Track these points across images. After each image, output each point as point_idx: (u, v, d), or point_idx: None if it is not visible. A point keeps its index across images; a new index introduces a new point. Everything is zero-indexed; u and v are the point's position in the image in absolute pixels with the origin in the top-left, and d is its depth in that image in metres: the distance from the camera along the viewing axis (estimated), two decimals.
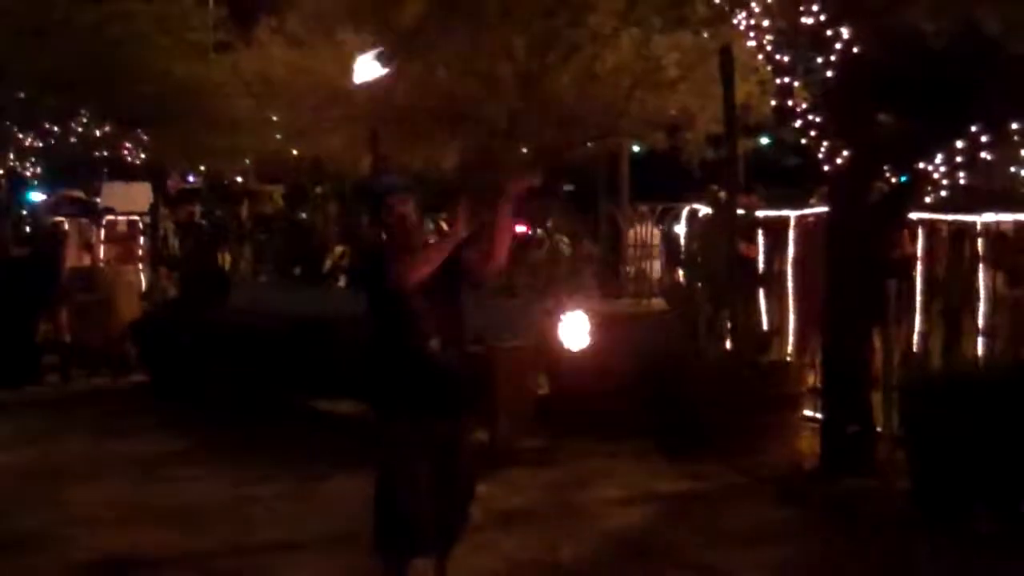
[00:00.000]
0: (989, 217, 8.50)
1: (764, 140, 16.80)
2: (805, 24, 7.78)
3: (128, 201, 17.02)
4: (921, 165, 7.72)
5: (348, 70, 13.67)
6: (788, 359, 9.57)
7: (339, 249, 14.84)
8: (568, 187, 20.94)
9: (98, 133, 16.17)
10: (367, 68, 6.08)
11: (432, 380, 5.09)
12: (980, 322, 8.43)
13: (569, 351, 5.77)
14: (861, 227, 8.03)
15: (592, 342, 8.46)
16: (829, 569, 6.33)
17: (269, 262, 15.59)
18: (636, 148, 17.36)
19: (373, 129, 14.23)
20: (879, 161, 8.08)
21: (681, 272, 11.29)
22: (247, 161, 19.82)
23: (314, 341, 9.80)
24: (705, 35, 11.55)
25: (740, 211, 9.81)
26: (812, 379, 9.43)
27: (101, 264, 15.54)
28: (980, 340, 8.41)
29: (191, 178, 21.87)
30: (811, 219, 9.52)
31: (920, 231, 8.80)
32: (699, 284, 10.06)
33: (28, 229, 17.18)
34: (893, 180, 8.20)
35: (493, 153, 13.34)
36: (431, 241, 5.88)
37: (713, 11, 10.32)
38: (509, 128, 13.02)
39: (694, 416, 8.66)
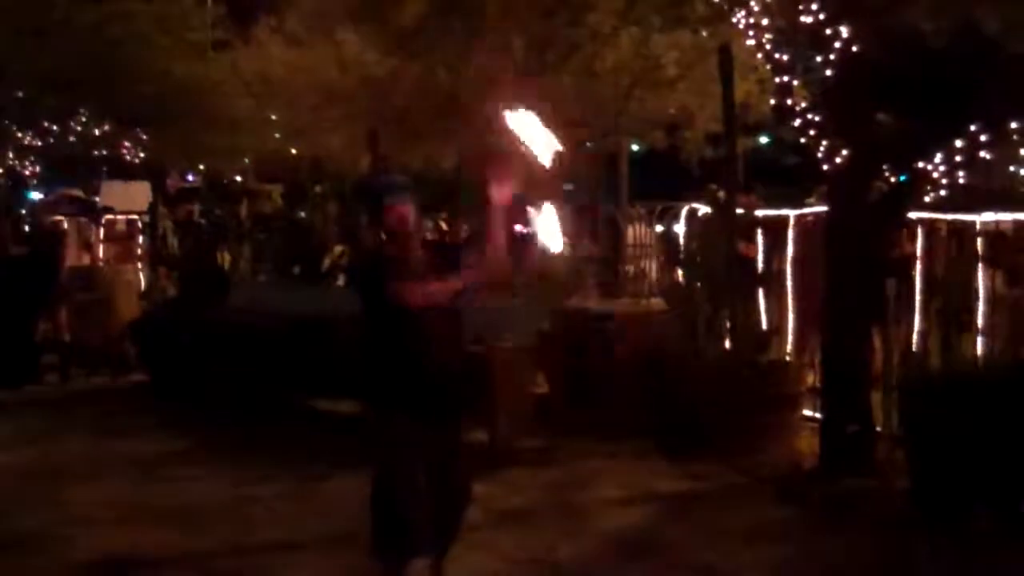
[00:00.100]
0: (988, 216, 8.50)
1: (763, 139, 16.80)
2: (804, 23, 7.78)
3: (127, 200, 17.01)
4: (920, 164, 7.72)
5: (347, 69, 13.74)
6: (787, 359, 9.58)
7: (338, 248, 14.85)
8: (567, 187, 20.93)
9: (97, 132, 16.15)
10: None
11: (429, 381, 5.10)
12: (979, 322, 8.42)
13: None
14: (860, 226, 8.03)
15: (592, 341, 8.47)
16: (828, 569, 6.33)
17: (268, 261, 15.60)
18: (635, 147, 17.36)
19: (372, 128, 14.24)
20: (878, 160, 8.08)
21: (680, 271, 11.30)
22: (246, 160, 19.81)
23: (313, 340, 9.79)
24: (704, 34, 11.55)
25: (739, 210, 9.82)
26: (811, 379, 9.44)
27: (100, 263, 15.54)
28: (979, 340, 8.41)
29: (190, 177, 21.86)
30: (810, 218, 9.53)
31: (919, 230, 8.80)
32: (698, 284, 10.07)
33: (27, 228, 17.17)
34: (892, 179, 8.20)
35: (492, 153, 13.33)
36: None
37: (712, 10, 10.32)
38: (508, 128, 13.01)
39: (693, 416, 8.67)
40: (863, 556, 6.43)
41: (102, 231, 16.17)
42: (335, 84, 13.81)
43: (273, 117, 16.05)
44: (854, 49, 7.61)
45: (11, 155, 16.07)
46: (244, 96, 15.63)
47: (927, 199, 8.22)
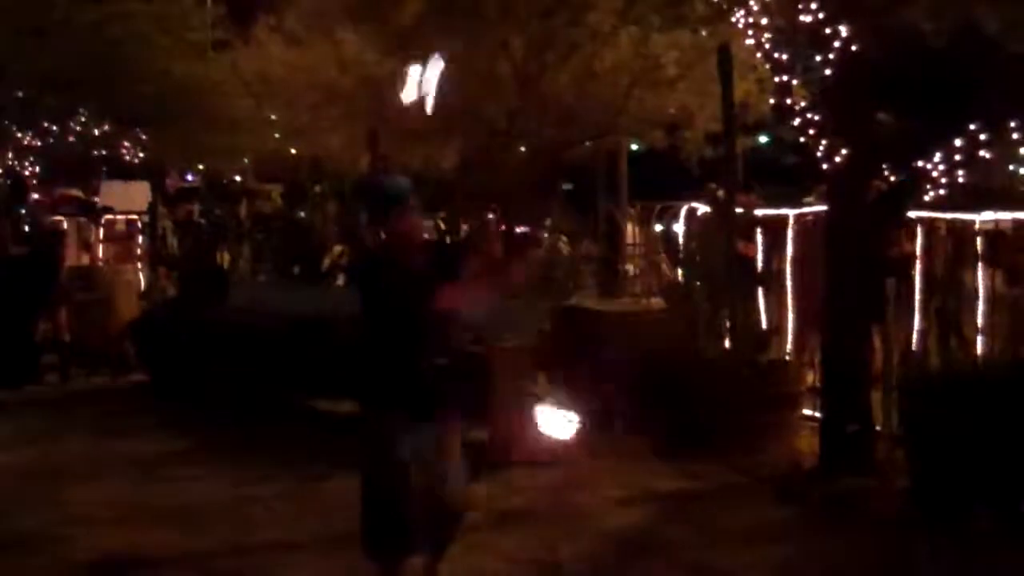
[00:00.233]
0: (988, 216, 8.50)
1: (763, 139, 16.79)
2: (804, 22, 7.78)
3: (127, 200, 17.00)
4: (920, 164, 7.73)
5: (347, 69, 13.73)
6: (787, 358, 9.58)
7: (338, 248, 14.85)
8: (567, 186, 20.93)
9: (97, 132, 16.15)
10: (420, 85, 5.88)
11: (424, 380, 5.10)
12: (979, 321, 8.43)
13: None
14: (860, 226, 8.03)
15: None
16: (828, 569, 6.33)
17: (268, 261, 15.60)
18: (635, 147, 17.35)
19: (372, 128, 14.22)
20: (878, 160, 8.09)
21: (679, 271, 11.30)
22: (246, 160, 19.81)
23: (313, 340, 9.79)
24: (704, 33, 11.54)
25: (739, 210, 9.82)
26: (811, 378, 9.44)
27: (100, 263, 15.54)
28: (979, 339, 8.41)
29: (190, 177, 21.85)
30: (810, 218, 9.53)
31: (919, 230, 8.80)
32: (698, 283, 10.07)
33: (27, 228, 17.16)
34: (892, 179, 8.20)
35: (492, 152, 13.34)
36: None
37: (712, 9, 10.31)
38: (508, 127, 13.02)
39: (693, 415, 8.66)
40: (863, 556, 6.43)
41: (102, 231, 16.16)
42: (335, 84, 13.80)
43: (273, 117, 16.03)
44: (854, 49, 7.61)
45: (11, 155, 16.06)
46: (244, 96, 15.62)
47: (927, 198, 8.23)
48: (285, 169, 19.55)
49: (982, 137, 7.41)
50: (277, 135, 16.90)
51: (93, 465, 8.54)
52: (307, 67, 14.39)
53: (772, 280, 9.94)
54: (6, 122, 15.40)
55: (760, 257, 10.07)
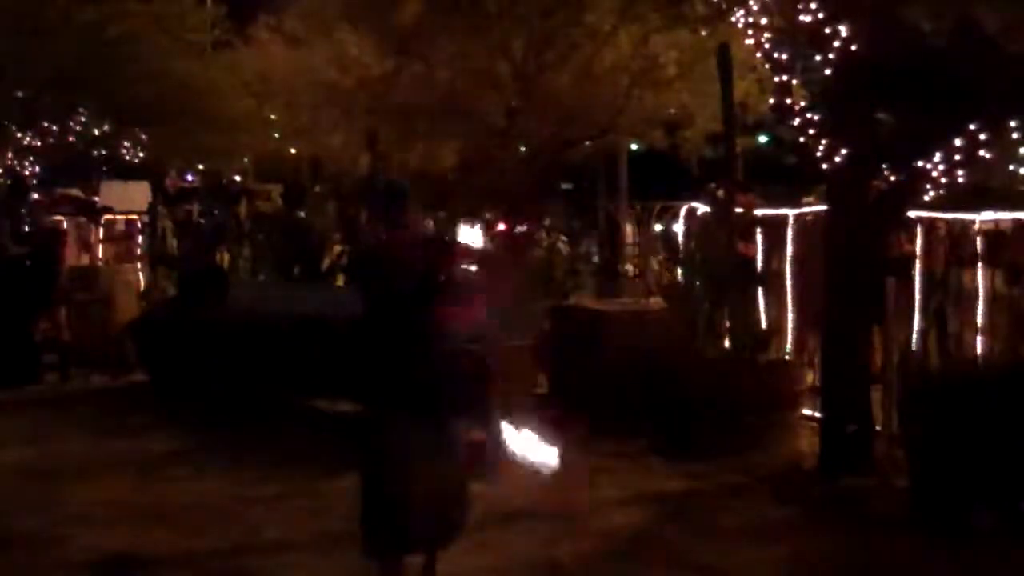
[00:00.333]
0: (988, 216, 8.50)
1: (762, 139, 16.81)
2: (803, 22, 7.79)
3: (126, 200, 16.98)
4: (920, 164, 7.72)
5: (347, 69, 13.74)
6: (787, 358, 9.58)
7: (338, 248, 14.83)
8: (567, 186, 20.96)
9: (96, 132, 16.16)
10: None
11: (422, 379, 5.10)
12: (979, 321, 8.43)
13: None
14: (860, 226, 8.03)
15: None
16: (828, 568, 6.34)
17: (268, 261, 15.57)
18: (635, 147, 17.37)
19: (372, 128, 14.24)
20: (878, 160, 8.08)
21: (679, 271, 11.29)
22: (246, 160, 19.82)
23: (313, 340, 9.79)
24: (703, 33, 11.56)
25: (738, 210, 9.82)
26: (811, 378, 9.44)
27: (100, 263, 15.53)
28: (979, 339, 8.41)
29: (189, 177, 21.85)
30: (809, 217, 9.53)
31: (919, 230, 8.80)
32: (697, 283, 10.06)
33: (27, 228, 17.15)
34: (892, 179, 8.20)
35: (492, 151, 13.34)
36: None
37: (711, 9, 10.33)
38: (508, 126, 13.02)
39: (693, 415, 8.67)
40: (863, 555, 6.43)
41: (101, 231, 16.15)
42: (334, 84, 13.81)
43: (272, 117, 16.06)
44: (853, 49, 7.61)
45: (11, 155, 16.06)
46: (243, 96, 15.64)
47: (927, 198, 8.22)
48: (285, 169, 19.56)
49: (982, 137, 7.40)
50: (277, 135, 16.92)
51: (93, 465, 8.53)
52: (307, 67, 14.41)
53: (772, 280, 9.93)
54: (6, 122, 15.40)
55: (760, 257, 10.06)
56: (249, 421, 9.94)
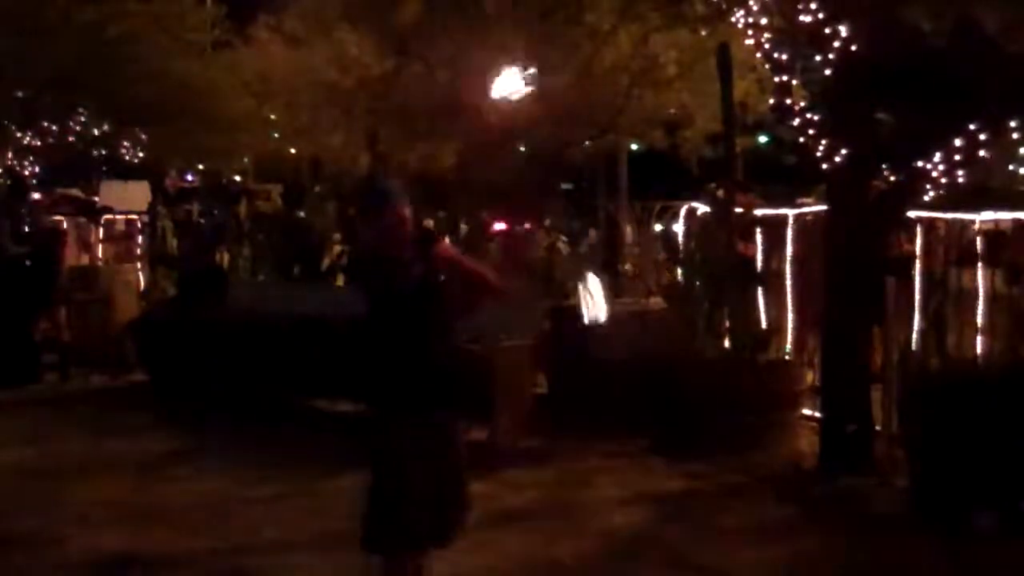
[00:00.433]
0: (988, 215, 8.50)
1: (762, 139, 16.82)
2: (803, 22, 7.79)
3: (126, 200, 16.98)
4: (920, 164, 7.72)
5: (347, 69, 13.75)
6: (787, 358, 9.58)
7: (337, 248, 14.83)
8: (567, 186, 20.96)
9: (96, 132, 16.16)
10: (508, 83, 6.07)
11: (429, 377, 5.10)
12: (979, 321, 8.43)
13: None
14: (860, 226, 8.03)
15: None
16: (828, 568, 6.34)
17: (267, 261, 15.56)
18: (635, 147, 17.37)
19: (372, 128, 14.24)
20: (878, 160, 8.09)
21: (679, 270, 11.29)
22: (245, 160, 19.81)
23: (313, 340, 9.79)
24: (703, 33, 11.56)
25: (738, 209, 9.82)
26: (811, 378, 9.44)
27: (100, 263, 15.53)
28: (979, 339, 8.41)
29: (189, 177, 21.85)
30: (809, 217, 9.53)
31: (919, 230, 8.80)
32: (697, 283, 10.06)
33: (27, 228, 17.15)
34: (892, 178, 8.20)
35: (492, 151, 13.35)
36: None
37: (711, 9, 10.32)
38: (507, 126, 13.02)
39: (692, 415, 8.67)
40: (862, 555, 6.43)
41: (101, 231, 16.15)
42: (334, 84, 13.82)
43: (272, 117, 16.06)
44: (853, 49, 7.61)
45: (11, 155, 16.06)
46: (243, 96, 15.64)
47: (927, 198, 8.22)
48: (285, 169, 19.57)
49: (982, 137, 7.40)
50: (277, 135, 16.92)
51: (92, 465, 8.54)
52: (307, 67, 14.42)
53: (771, 280, 9.93)
54: (6, 122, 15.41)
55: (760, 257, 10.06)
56: (249, 421, 9.94)
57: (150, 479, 8.12)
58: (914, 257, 8.77)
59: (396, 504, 5.02)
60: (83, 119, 15.65)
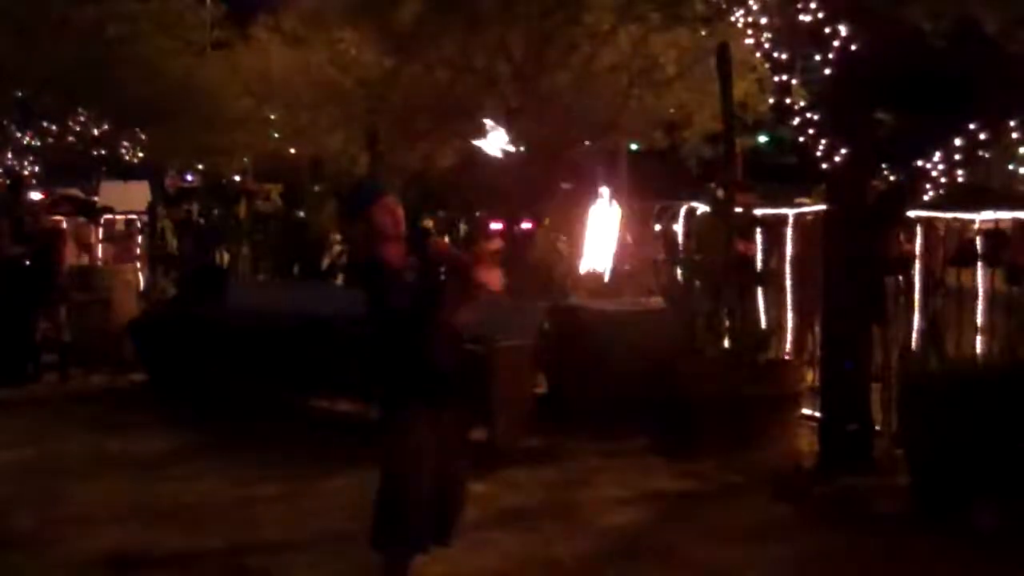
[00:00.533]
0: (987, 215, 8.51)
1: (762, 138, 16.83)
2: (803, 22, 7.79)
3: (126, 200, 16.99)
4: (920, 163, 7.73)
5: (347, 69, 13.76)
6: (786, 357, 9.58)
7: (337, 247, 14.84)
8: (566, 185, 20.93)
9: (96, 132, 16.17)
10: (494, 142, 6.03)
11: (438, 375, 5.11)
12: (979, 320, 8.43)
13: None
14: (860, 225, 8.03)
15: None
16: (828, 567, 6.33)
17: (267, 261, 15.56)
18: (634, 147, 17.38)
19: (371, 128, 14.25)
20: (878, 159, 8.09)
21: (679, 270, 11.28)
22: (245, 160, 19.83)
23: (313, 340, 9.79)
24: (703, 33, 11.58)
25: (738, 209, 9.81)
26: (810, 377, 9.44)
27: (99, 263, 15.52)
28: (979, 338, 8.41)
29: (189, 177, 21.87)
30: (809, 217, 9.53)
31: (919, 229, 8.80)
32: (697, 282, 10.06)
33: (27, 228, 17.15)
34: (891, 178, 8.21)
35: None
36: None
37: (711, 8, 10.35)
38: (507, 126, 13.03)
39: (692, 415, 8.67)
40: (863, 554, 6.43)
41: (101, 231, 16.15)
42: (334, 84, 13.84)
43: (272, 116, 16.08)
44: (853, 48, 7.61)
45: (10, 155, 16.08)
46: (243, 96, 15.66)
47: (926, 198, 8.23)
48: (285, 169, 19.59)
49: (982, 137, 7.40)
50: (276, 135, 16.94)
51: (92, 464, 8.53)
52: (307, 67, 14.43)
53: (771, 280, 9.93)
54: (5, 122, 15.42)
55: (759, 257, 10.06)
56: (249, 421, 9.93)
57: (150, 479, 8.11)
58: (914, 257, 8.77)
59: (407, 503, 5.02)
60: (83, 119, 15.66)
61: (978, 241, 8.56)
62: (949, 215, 8.71)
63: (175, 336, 11.32)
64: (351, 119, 14.52)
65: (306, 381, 10.15)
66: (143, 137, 16.53)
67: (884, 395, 8.29)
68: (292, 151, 18.10)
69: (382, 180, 5.39)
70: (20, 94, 14.91)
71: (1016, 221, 8.48)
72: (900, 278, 8.74)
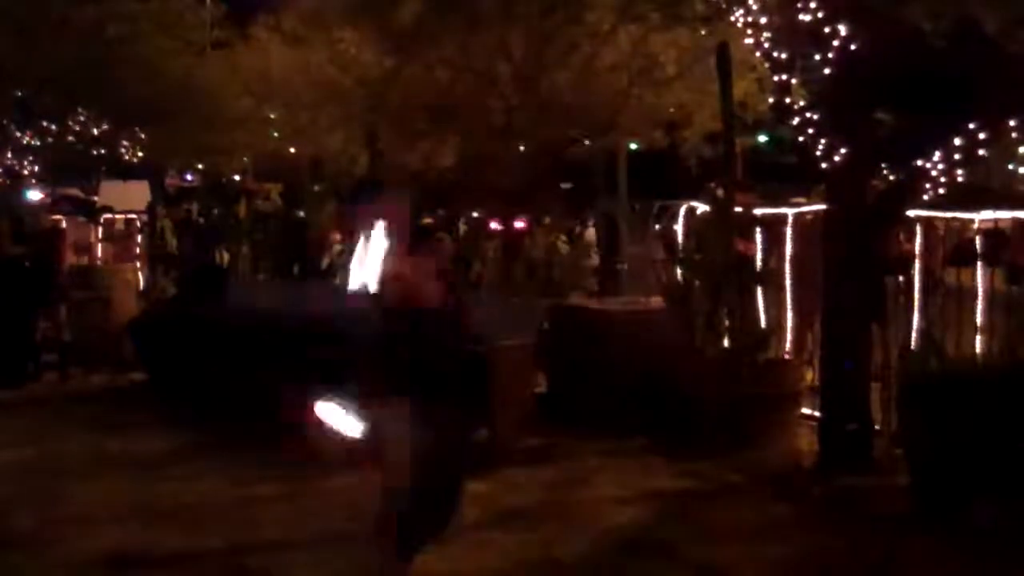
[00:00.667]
0: (987, 215, 8.51)
1: (762, 138, 16.83)
2: (803, 21, 7.78)
3: (126, 200, 16.99)
4: (920, 163, 7.73)
5: (347, 69, 13.76)
6: (786, 357, 9.58)
7: (337, 247, 14.85)
8: (566, 186, 20.95)
9: (95, 132, 16.17)
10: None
11: (441, 378, 5.12)
12: (978, 320, 8.44)
13: None
14: (859, 224, 8.03)
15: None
16: (828, 566, 6.33)
17: (267, 260, 15.58)
18: (634, 146, 17.38)
19: (371, 127, 14.25)
20: (877, 158, 8.09)
21: (679, 270, 11.28)
22: (245, 159, 19.84)
23: (313, 339, 9.78)
24: (703, 32, 11.58)
25: (737, 209, 9.81)
26: (810, 377, 9.44)
27: (99, 263, 15.53)
28: (978, 338, 8.42)
29: (189, 176, 21.87)
30: (809, 217, 9.53)
31: (919, 229, 8.81)
32: (697, 282, 10.05)
33: (27, 228, 17.15)
34: (891, 178, 8.20)
35: (492, 151, 13.35)
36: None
37: (710, 8, 10.35)
38: (507, 126, 13.03)
39: (692, 414, 8.67)
40: (863, 553, 6.43)
41: (101, 230, 16.15)
42: (334, 83, 13.84)
43: (272, 116, 16.08)
44: (853, 48, 7.61)
45: (10, 155, 16.08)
46: (242, 95, 15.66)
47: (926, 198, 8.23)
48: (284, 168, 19.59)
49: (982, 137, 7.40)
50: (276, 134, 16.94)
51: (92, 464, 8.53)
52: (307, 66, 14.44)
53: (771, 279, 9.92)
54: (5, 122, 15.42)
55: (759, 256, 10.06)
56: (248, 420, 9.92)
57: (150, 478, 8.11)
58: (914, 257, 8.77)
59: (416, 503, 5.03)
60: (83, 119, 15.66)
61: (978, 241, 8.57)
62: (949, 215, 8.71)
63: (175, 336, 11.31)
64: (351, 119, 14.53)
65: (307, 381, 10.13)
66: (143, 137, 16.51)
67: (884, 395, 8.29)
68: (292, 151, 18.10)
69: (374, 185, 5.35)
70: (20, 94, 14.90)
71: (1016, 221, 8.48)
72: (900, 278, 8.75)
